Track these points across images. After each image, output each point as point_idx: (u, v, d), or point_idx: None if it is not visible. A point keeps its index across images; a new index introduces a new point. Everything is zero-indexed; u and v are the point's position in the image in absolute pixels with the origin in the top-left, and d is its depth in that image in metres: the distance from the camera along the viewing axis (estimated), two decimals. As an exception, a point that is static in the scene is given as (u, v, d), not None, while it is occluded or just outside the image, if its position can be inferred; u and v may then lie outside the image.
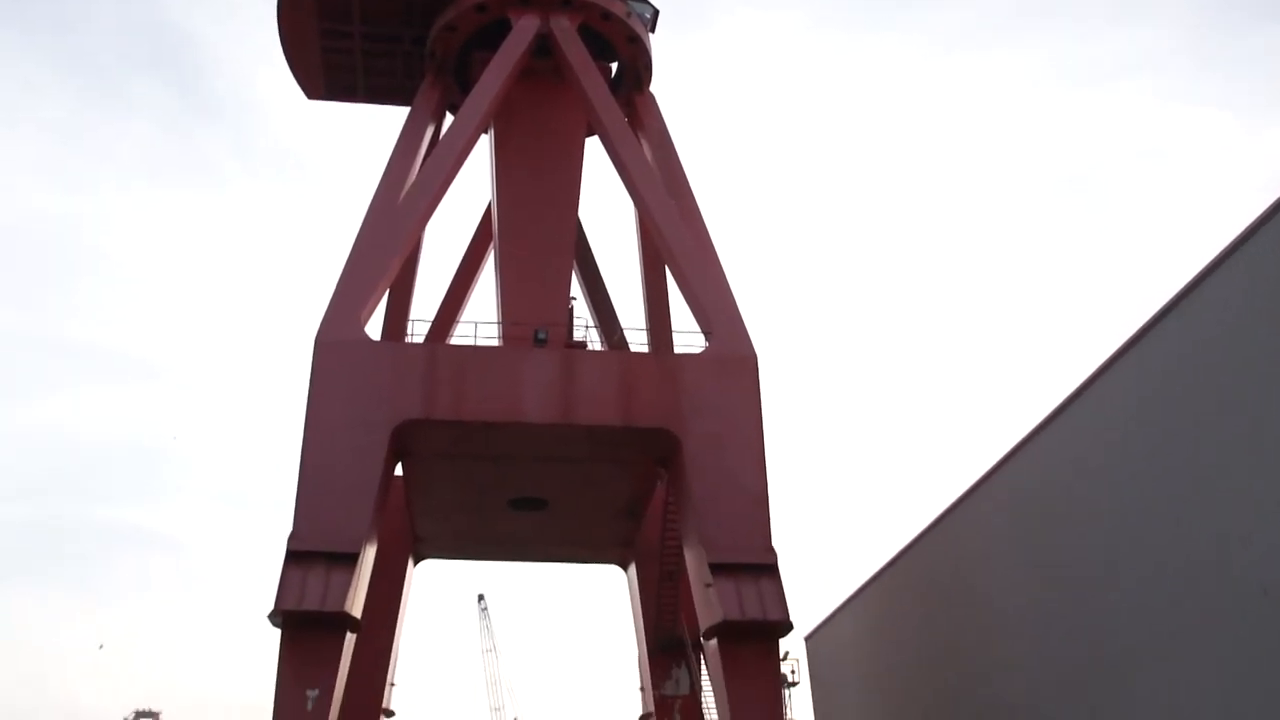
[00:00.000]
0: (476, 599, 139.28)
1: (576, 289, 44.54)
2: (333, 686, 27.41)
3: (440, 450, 34.25)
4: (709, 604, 29.74)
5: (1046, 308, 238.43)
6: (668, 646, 43.34)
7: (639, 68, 43.05)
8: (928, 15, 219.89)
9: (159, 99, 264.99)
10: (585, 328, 40.92)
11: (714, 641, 29.72)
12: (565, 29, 39.96)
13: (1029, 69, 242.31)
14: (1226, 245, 20.22)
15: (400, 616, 43.01)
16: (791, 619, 29.21)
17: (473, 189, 54.86)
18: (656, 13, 44.05)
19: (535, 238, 39.59)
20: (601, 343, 44.20)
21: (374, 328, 37.23)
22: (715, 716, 37.53)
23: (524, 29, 39.68)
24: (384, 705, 41.35)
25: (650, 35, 43.60)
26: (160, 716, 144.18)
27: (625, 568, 47.46)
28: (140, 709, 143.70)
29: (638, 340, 43.19)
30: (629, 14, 42.06)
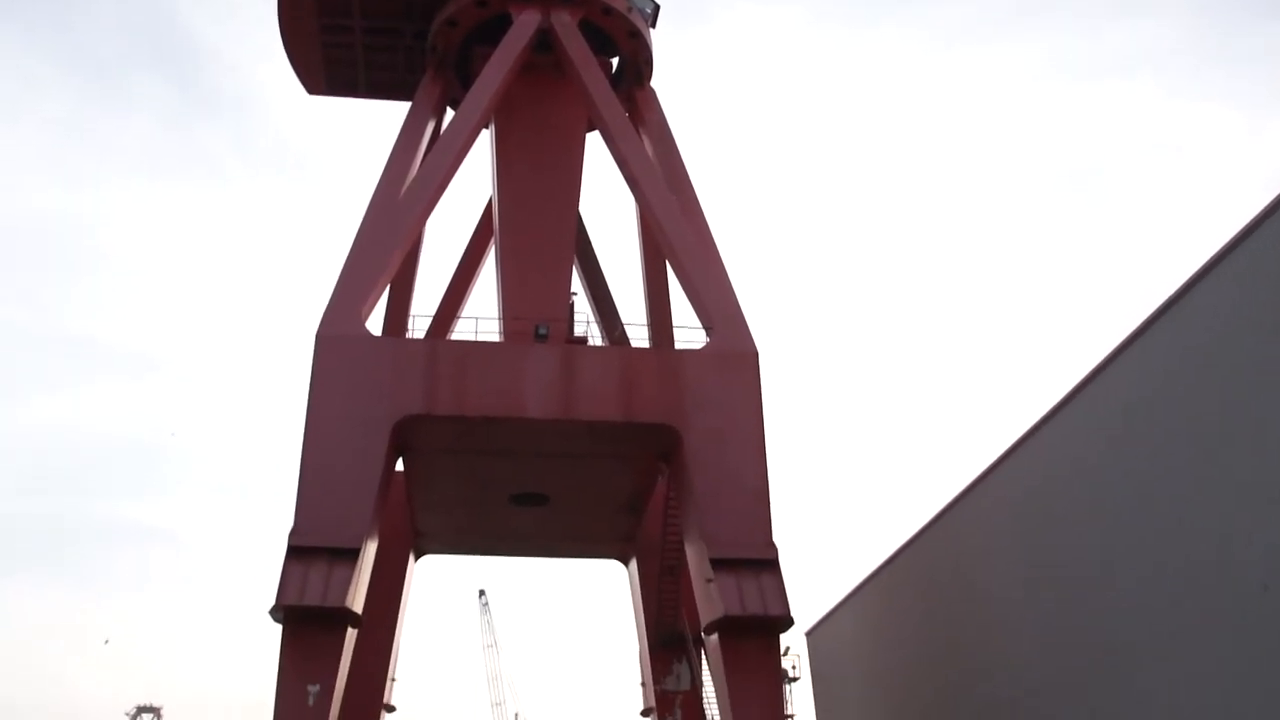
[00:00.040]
0: (477, 594, 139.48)
1: (577, 284, 44.60)
2: (334, 682, 27.42)
3: (441, 445, 34.26)
4: (710, 599, 29.76)
5: (1048, 303, 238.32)
6: (669, 641, 43.39)
7: (640, 63, 43.02)
8: (928, 10, 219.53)
9: (159, 95, 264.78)
10: (586, 323, 41.03)
11: (715, 636, 29.73)
12: (566, 24, 39.95)
13: (1030, 64, 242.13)
14: (1227, 242, 20.22)
15: (401, 612, 43.04)
16: (792, 614, 29.23)
17: (473, 184, 54.86)
18: (657, 8, 44.03)
19: (536, 233, 39.57)
20: (602, 338, 44.21)
21: (375, 323, 37.34)
22: (716, 711, 37.61)
23: (525, 24, 39.65)
24: (385, 700, 41.37)
25: (651, 30, 43.57)
26: (161, 712, 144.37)
27: (626, 563, 47.49)
28: (141, 704, 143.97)
29: (639, 335, 43.31)
30: (630, 9, 42.03)
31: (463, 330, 42.62)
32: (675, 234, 35.80)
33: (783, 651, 35.49)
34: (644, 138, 40.89)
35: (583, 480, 38.32)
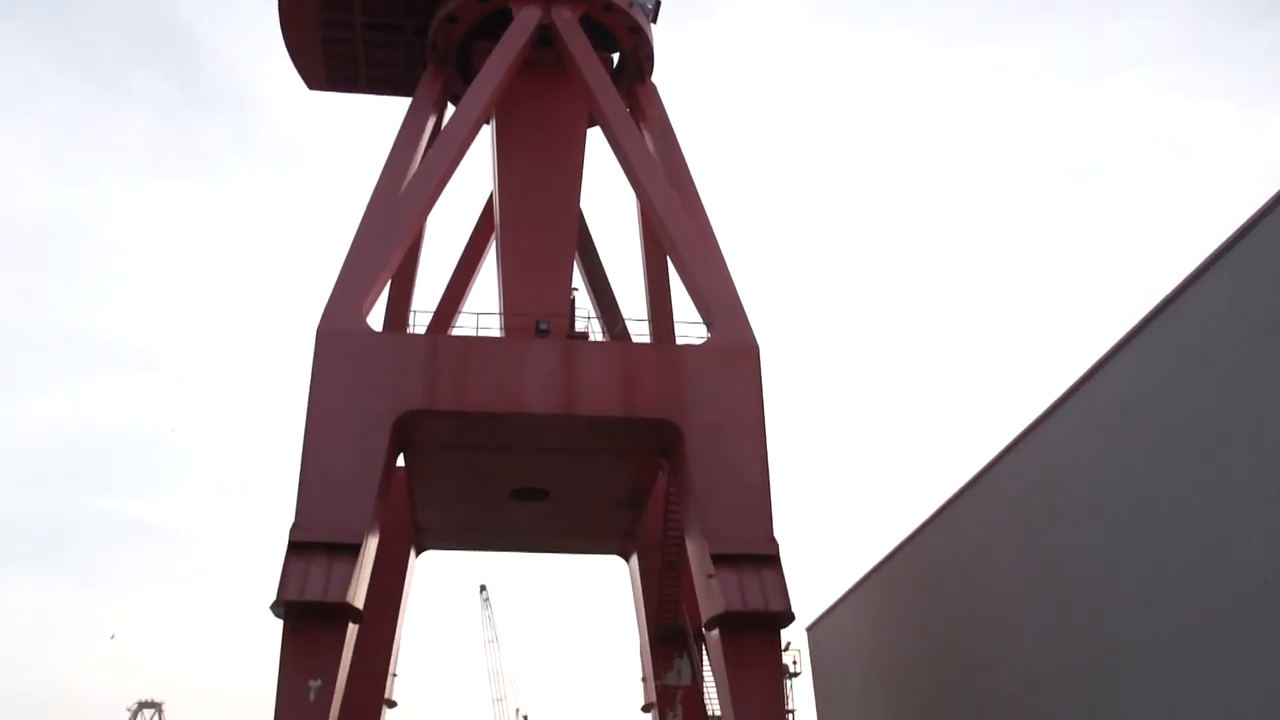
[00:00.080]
0: (478, 590, 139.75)
1: (578, 280, 44.54)
2: (335, 677, 27.44)
3: (442, 441, 34.27)
4: (711, 594, 29.76)
5: (1049, 298, 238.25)
6: (669, 637, 43.40)
7: (641, 58, 42.95)
8: (929, 7, 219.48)
9: (160, 91, 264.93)
10: (587, 318, 40.99)
11: (716, 632, 29.74)
12: (567, 19, 39.88)
13: (1031, 61, 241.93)
14: (1228, 237, 20.19)
15: (402, 607, 43.07)
16: (793, 609, 29.22)
17: (474, 180, 54.82)
18: (658, 3, 43.97)
19: (537, 228, 39.54)
20: (603, 333, 44.19)
21: (376, 318, 37.33)
22: (717, 707, 37.65)
23: (525, 19, 39.60)
24: (386, 696, 41.40)
25: (652, 25, 43.52)
26: (163, 707, 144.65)
27: (627, 558, 47.50)
28: (143, 699, 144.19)
29: (639, 331, 43.29)
30: (631, 4, 41.96)
31: (464, 326, 42.65)
32: (676, 229, 35.77)
33: (784, 647, 35.58)
34: (645, 133, 40.83)
35: (583, 475, 38.32)
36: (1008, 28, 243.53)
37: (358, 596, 28.51)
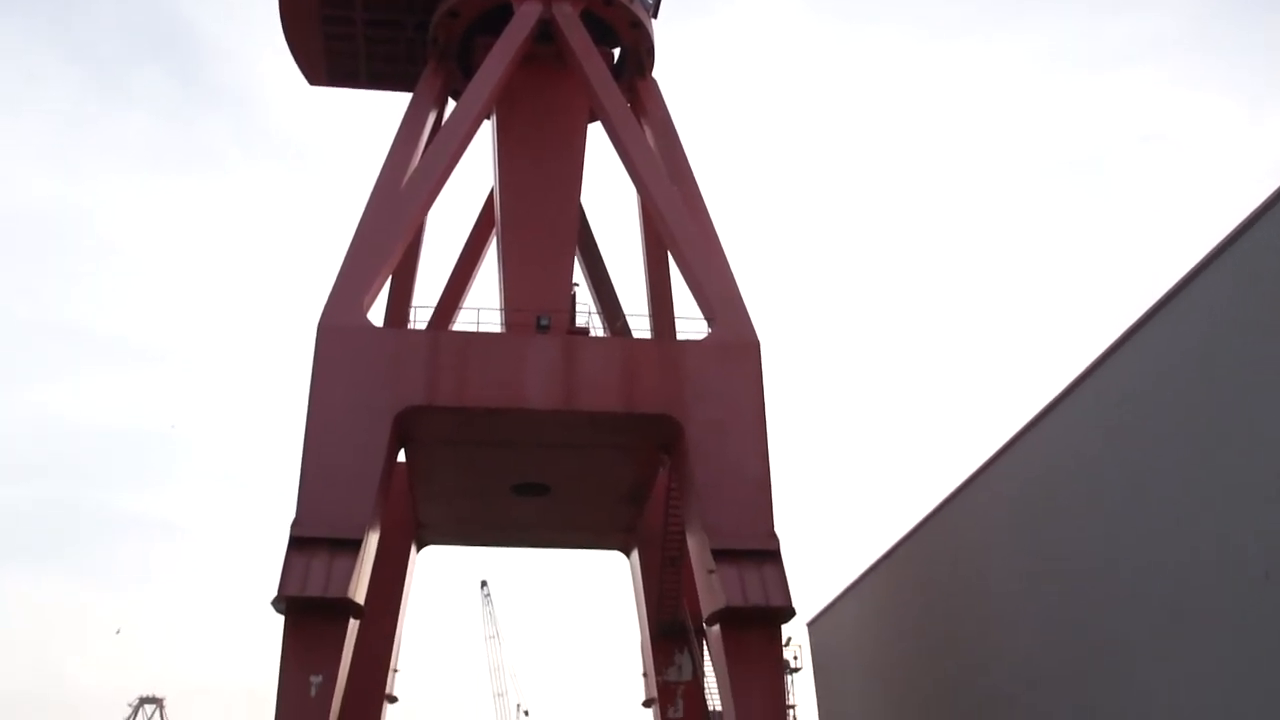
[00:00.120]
0: (479, 585, 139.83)
1: (579, 275, 44.55)
2: (336, 672, 27.47)
3: (443, 436, 34.28)
4: (711, 590, 29.77)
5: (1050, 293, 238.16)
6: (670, 632, 43.43)
7: (641, 53, 42.90)
8: (929, 1, 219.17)
9: (160, 86, 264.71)
10: (588, 314, 40.96)
11: (716, 627, 29.75)
12: (567, 14, 39.80)
13: (1032, 54, 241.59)
14: (1229, 232, 20.17)
15: (403, 602, 43.10)
16: (794, 605, 29.23)
17: (475, 176, 54.81)
18: (659, -2, 43.95)
19: (537, 224, 39.51)
20: (604, 329, 44.19)
21: (377, 314, 37.27)
22: (718, 702, 37.65)
23: (526, 14, 39.53)
24: (387, 691, 41.45)
25: (653, 21, 43.48)
26: (164, 702, 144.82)
27: (628, 553, 47.51)
28: (144, 695, 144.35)
29: (640, 326, 43.32)
30: (632, -1, 41.95)
31: (464, 321, 42.62)
32: (677, 225, 35.74)
33: (784, 642, 35.63)
34: (646, 129, 40.78)
35: (584, 471, 38.33)
36: (1009, 21, 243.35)
37: (359, 592, 28.52)
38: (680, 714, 42.68)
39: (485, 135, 42.50)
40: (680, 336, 38.17)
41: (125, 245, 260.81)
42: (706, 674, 41.32)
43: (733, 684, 28.92)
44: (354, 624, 28.67)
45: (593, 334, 38.33)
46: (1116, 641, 23.76)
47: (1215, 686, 20.32)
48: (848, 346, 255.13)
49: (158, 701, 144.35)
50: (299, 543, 28.29)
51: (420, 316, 40.93)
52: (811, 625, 49.99)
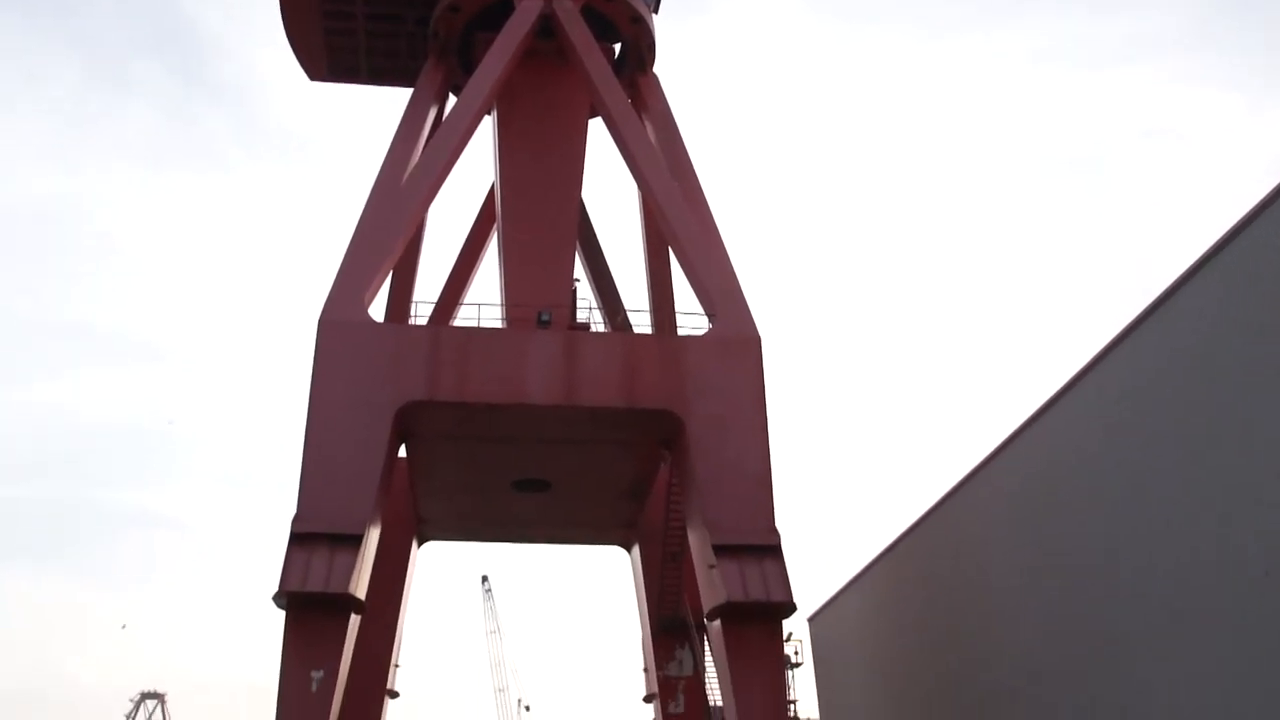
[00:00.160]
0: (480, 581, 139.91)
1: (580, 271, 44.51)
2: (337, 668, 27.46)
3: (444, 432, 34.26)
4: (712, 585, 29.77)
5: (1050, 288, 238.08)
6: (671, 627, 43.44)
7: (642, 49, 42.84)
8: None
9: (161, 82, 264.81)
10: (589, 309, 40.92)
11: (717, 623, 29.74)
12: (568, 10, 39.74)
13: (1032, 49, 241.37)
14: (1229, 229, 20.16)
15: (404, 598, 43.11)
16: (794, 600, 29.21)
17: (476, 171, 54.77)
18: (660, -7, 43.90)
19: (538, 219, 39.47)
20: (605, 324, 44.16)
21: (377, 309, 37.30)
22: (718, 697, 37.69)
23: (527, 10, 39.47)
24: (388, 686, 41.47)
25: (654, 16, 43.41)
26: (166, 698, 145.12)
27: (629, 549, 47.52)
28: (146, 690, 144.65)
29: (641, 322, 43.29)
30: (632, -6, 41.86)
31: (465, 317, 42.45)
32: (678, 220, 35.70)
33: (785, 637, 35.58)
34: (647, 124, 40.76)
35: (585, 466, 38.33)
36: (1009, 16, 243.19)
37: (360, 587, 28.53)
38: (681, 709, 42.71)
39: (486, 131, 42.48)
40: (681, 332, 38.14)
41: (125, 242, 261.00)
42: (707, 669, 41.33)
43: (733, 679, 28.92)
44: (355, 619, 28.66)
45: (593, 329, 38.30)
46: (1117, 636, 23.77)
47: (1215, 681, 20.33)
48: (848, 341, 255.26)
49: (159, 697, 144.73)
50: (300, 538, 28.28)
51: (421, 312, 40.94)
52: (812, 620, 50.02)
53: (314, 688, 26.97)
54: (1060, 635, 26.50)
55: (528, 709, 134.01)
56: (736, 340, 32.80)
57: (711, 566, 29.59)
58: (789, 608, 29.47)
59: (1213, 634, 20.45)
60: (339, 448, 29.69)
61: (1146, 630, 22.72)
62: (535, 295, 36.12)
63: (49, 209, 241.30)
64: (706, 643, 39.97)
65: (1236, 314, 20.12)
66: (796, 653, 52.42)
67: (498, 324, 35.26)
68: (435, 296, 45.74)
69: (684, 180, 38.32)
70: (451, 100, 41.57)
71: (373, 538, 29.86)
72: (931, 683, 35.18)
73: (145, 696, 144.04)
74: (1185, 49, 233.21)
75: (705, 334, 33.36)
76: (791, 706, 49.51)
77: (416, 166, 36.60)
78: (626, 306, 45.33)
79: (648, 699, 45.33)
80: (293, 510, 28.78)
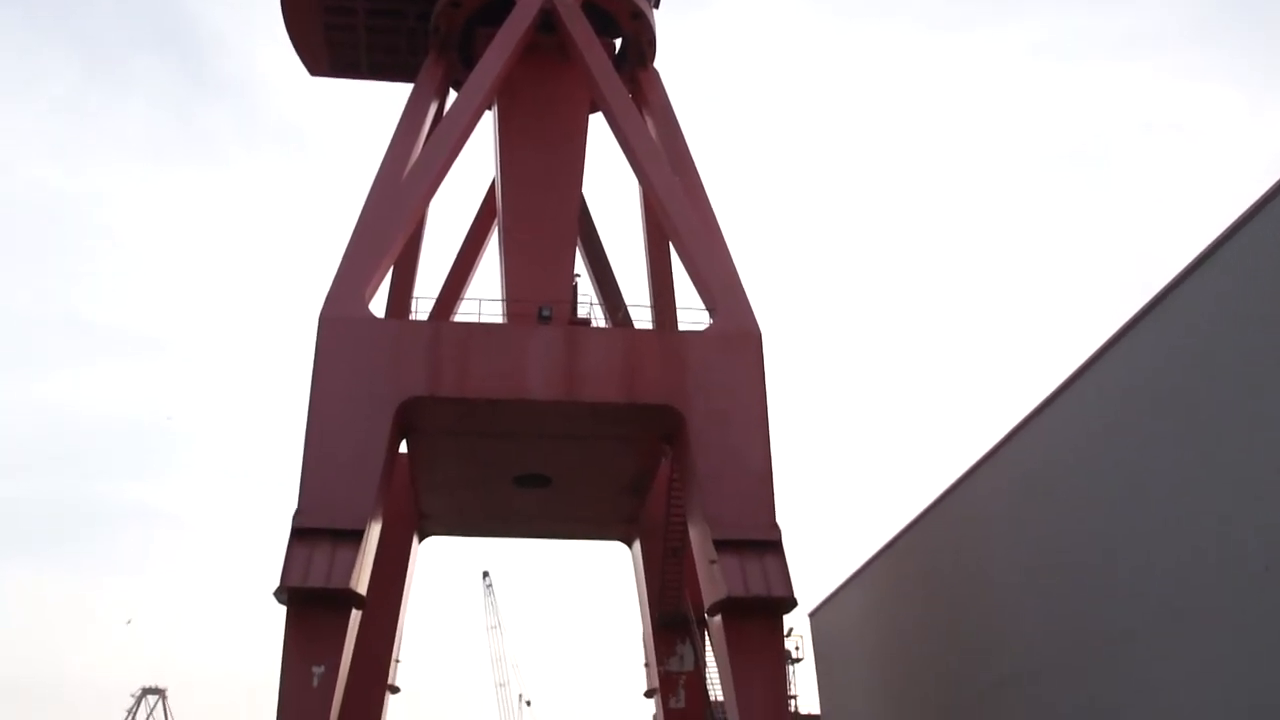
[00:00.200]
0: (481, 576, 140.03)
1: (580, 266, 44.49)
2: (338, 663, 27.49)
3: (444, 427, 34.26)
4: (713, 580, 29.79)
5: (1051, 284, 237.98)
6: (672, 622, 43.45)
7: (643, 44, 42.79)
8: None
9: (161, 77, 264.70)
10: (589, 305, 40.95)
11: (718, 618, 29.76)
12: (569, 5, 39.69)
13: (1033, 43, 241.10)
14: (1228, 226, 20.15)
15: (405, 593, 43.12)
16: (795, 595, 29.23)
17: (476, 166, 54.75)
18: (660, -11, 43.82)
19: (539, 215, 39.45)
20: (605, 320, 44.16)
21: (378, 305, 37.29)
22: (719, 692, 37.72)
23: (527, 5, 39.41)
24: (389, 681, 41.50)
25: (654, 11, 43.36)
26: (166, 693, 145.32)
27: (630, 544, 47.54)
28: (147, 686, 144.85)
29: (642, 317, 43.27)
30: (632, -11, 41.78)
31: (466, 312, 42.66)
32: (678, 216, 35.68)
33: (786, 632, 35.64)
34: (647, 119, 40.72)
35: (586, 462, 38.33)
36: (1010, 10, 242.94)
37: (361, 582, 28.55)
38: (682, 704, 42.76)
39: (487, 126, 42.46)
40: (682, 327, 38.15)
41: (126, 237, 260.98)
42: (708, 664, 41.36)
43: (734, 674, 28.94)
44: (356, 614, 28.68)
45: (594, 325, 38.29)
46: (1117, 632, 23.78)
47: (1215, 676, 20.35)
48: (849, 337, 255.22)
49: (160, 692, 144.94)
50: (301, 534, 28.29)
51: (422, 307, 40.93)
52: (813, 615, 50.06)
53: (315, 683, 27.00)
54: (1060, 630, 26.52)
55: (529, 704, 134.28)
56: (737, 335, 32.79)
57: (712, 561, 29.60)
58: (790, 603, 29.49)
59: (1212, 630, 20.46)
60: (340, 443, 29.70)
61: (1146, 625, 22.73)
62: (536, 291, 36.11)
63: (50, 204, 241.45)
64: (707, 638, 39.99)
65: (1236, 310, 20.12)
66: (797, 648, 52.62)
67: (498, 319, 35.26)
68: (436, 292, 45.84)
69: (685, 175, 38.29)
70: (452, 96, 41.53)
71: (374, 533, 29.87)
72: (931, 679, 35.21)
73: (146, 692, 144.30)
74: (1186, 44, 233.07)
75: (706, 329, 33.34)
76: (792, 702, 49.62)
77: (417, 162, 36.57)
78: (627, 302, 45.37)
79: (649, 694, 45.37)
80: (293, 505, 28.82)
